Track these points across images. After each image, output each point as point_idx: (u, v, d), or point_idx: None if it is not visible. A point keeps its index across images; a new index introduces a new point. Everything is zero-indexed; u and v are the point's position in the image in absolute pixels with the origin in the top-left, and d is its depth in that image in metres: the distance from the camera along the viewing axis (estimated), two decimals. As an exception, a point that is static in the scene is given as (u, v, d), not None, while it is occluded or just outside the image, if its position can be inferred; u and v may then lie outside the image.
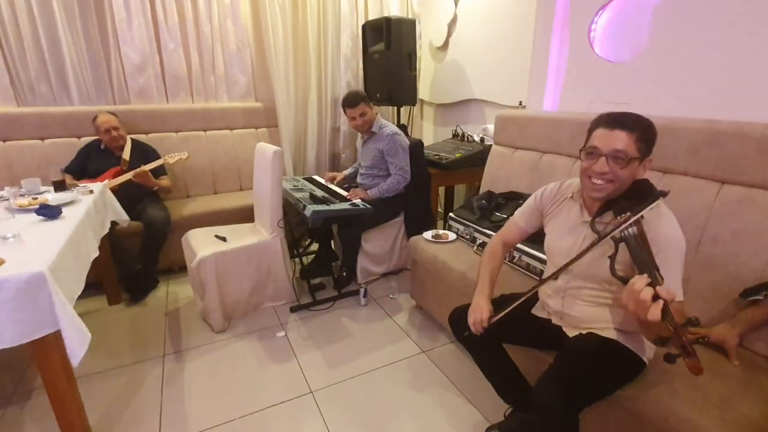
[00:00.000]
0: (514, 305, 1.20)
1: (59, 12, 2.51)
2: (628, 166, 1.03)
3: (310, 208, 2.04)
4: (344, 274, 2.48)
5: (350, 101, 2.39)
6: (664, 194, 1.03)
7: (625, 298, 0.89)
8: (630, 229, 0.97)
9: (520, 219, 1.39)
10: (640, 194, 1.06)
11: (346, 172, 2.81)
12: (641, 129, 1.04)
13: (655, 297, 0.84)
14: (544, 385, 1.08)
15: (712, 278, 1.38)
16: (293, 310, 2.28)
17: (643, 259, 0.93)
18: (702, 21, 1.58)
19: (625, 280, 0.92)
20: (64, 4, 2.53)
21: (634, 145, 1.02)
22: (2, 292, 1.12)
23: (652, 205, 1.00)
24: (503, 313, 1.21)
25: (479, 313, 1.24)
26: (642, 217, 0.99)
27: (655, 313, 0.81)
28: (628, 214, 0.99)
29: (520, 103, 2.59)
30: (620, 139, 1.02)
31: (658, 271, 0.91)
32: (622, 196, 1.08)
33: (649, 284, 0.86)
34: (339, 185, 2.63)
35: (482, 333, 1.24)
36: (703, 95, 1.60)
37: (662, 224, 1.03)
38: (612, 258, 1.00)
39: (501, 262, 1.41)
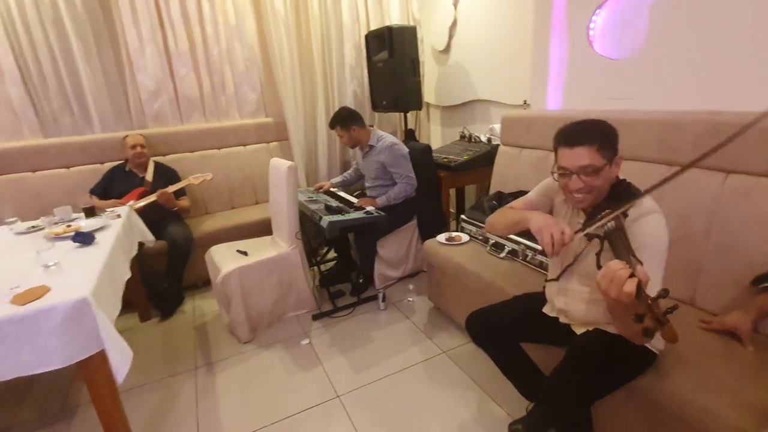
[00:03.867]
0: (611, 216, 1.04)
1: (77, 46, 2.64)
2: (599, 175, 1.08)
3: (326, 219, 2.12)
4: (360, 281, 2.55)
5: (330, 123, 2.54)
6: (639, 195, 1.06)
7: (600, 278, 0.90)
8: (609, 224, 1.02)
9: (535, 198, 1.38)
10: (620, 194, 1.11)
11: (333, 180, 2.87)
12: (599, 138, 1.07)
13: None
14: (553, 381, 1.13)
15: (723, 266, 1.40)
16: (315, 318, 2.36)
17: (621, 248, 0.97)
18: (701, 13, 1.60)
19: None
20: (81, 39, 2.66)
21: (598, 154, 1.06)
22: (51, 318, 1.21)
23: (626, 207, 1.03)
24: (595, 225, 1.06)
25: (558, 228, 1.07)
26: (623, 215, 1.03)
27: (630, 286, 0.84)
28: (607, 211, 1.04)
29: (525, 102, 2.62)
30: (583, 155, 1.07)
31: (635, 257, 0.94)
32: (605, 198, 1.13)
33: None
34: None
35: (560, 249, 1.08)
36: (705, 87, 1.62)
37: (644, 222, 1.07)
38: (598, 255, 1.05)
39: None
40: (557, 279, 1.30)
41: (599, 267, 1.02)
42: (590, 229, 1.06)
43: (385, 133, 2.59)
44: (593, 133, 1.08)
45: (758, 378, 1.12)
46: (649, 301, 0.84)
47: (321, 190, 2.74)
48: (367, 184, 2.71)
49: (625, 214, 1.04)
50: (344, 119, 2.50)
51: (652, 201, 1.11)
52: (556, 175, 1.14)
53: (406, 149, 2.53)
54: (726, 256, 1.40)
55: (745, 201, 1.37)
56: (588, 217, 1.16)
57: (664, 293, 0.83)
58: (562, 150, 1.11)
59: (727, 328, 1.29)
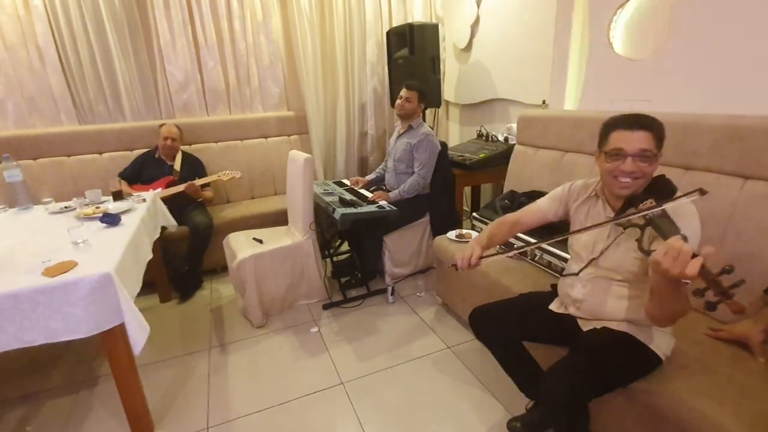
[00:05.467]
0: (509, 252, 1.32)
1: (113, 39, 2.79)
2: (653, 163, 1.09)
3: (339, 211, 2.17)
4: (360, 273, 2.60)
5: (409, 83, 2.54)
6: (703, 192, 1.03)
7: (661, 256, 0.87)
8: (653, 212, 1.01)
9: (543, 204, 1.43)
10: (659, 188, 1.11)
11: (368, 177, 2.92)
12: (656, 127, 1.10)
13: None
14: (552, 374, 1.14)
15: (737, 274, 1.36)
16: (325, 307, 2.42)
17: (670, 231, 0.95)
18: (722, 16, 1.56)
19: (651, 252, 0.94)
20: (117, 32, 2.80)
21: (653, 142, 1.09)
22: (78, 290, 1.30)
23: (687, 195, 1.00)
24: (494, 255, 1.32)
25: (470, 251, 1.32)
26: (661, 201, 1.02)
27: (695, 266, 0.83)
28: (651, 200, 1.04)
29: (544, 102, 2.60)
30: (643, 139, 1.08)
31: (686, 238, 0.92)
32: (642, 192, 1.12)
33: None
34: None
35: (466, 268, 1.31)
36: (725, 91, 1.58)
37: (682, 214, 1.06)
38: (639, 240, 1.03)
39: (507, 234, 1.46)
40: (577, 273, 1.29)
41: (642, 250, 1.01)
42: (624, 219, 1.07)
43: (427, 126, 2.63)
44: (653, 122, 1.10)
45: (765, 390, 1.10)
46: (713, 276, 0.84)
47: (358, 186, 2.79)
48: (388, 165, 2.73)
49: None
50: (424, 92, 2.58)
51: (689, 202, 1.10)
52: (605, 157, 1.14)
53: (438, 147, 2.56)
54: (739, 264, 1.31)
55: (762, 208, 1.34)
56: (620, 209, 1.16)
57: (729, 269, 0.83)
58: (620, 132, 1.11)
59: (737, 338, 1.27)
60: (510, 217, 1.48)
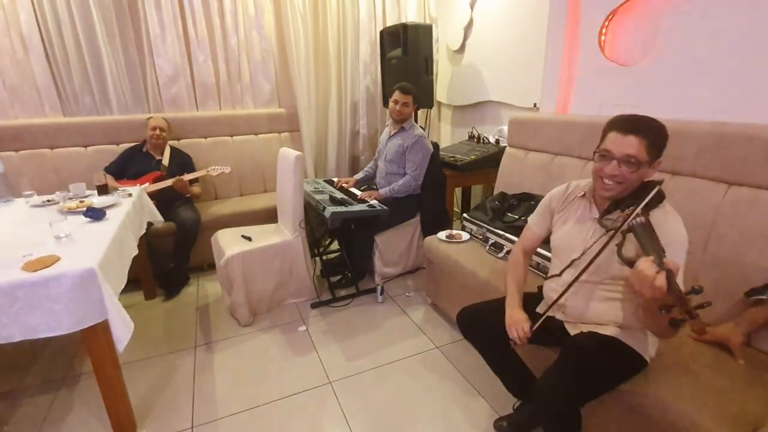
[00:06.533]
0: (549, 308, 1.25)
1: (100, 29, 2.73)
2: (638, 170, 1.09)
3: (330, 210, 2.16)
4: (350, 273, 2.58)
5: (405, 87, 2.50)
6: (659, 182, 1.10)
7: (631, 277, 0.93)
8: (636, 219, 1.02)
9: (533, 224, 1.45)
10: (646, 194, 1.11)
11: (357, 176, 2.89)
12: (653, 134, 1.09)
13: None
14: (545, 380, 1.14)
15: (719, 278, 1.40)
16: (314, 306, 2.40)
17: (650, 243, 0.97)
18: (711, 24, 1.59)
19: (630, 262, 0.97)
20: (104, 22, 2.74)
21: (645, 150, 1.08)
22: (60, 285, 1.27)
23: (652, 193, 1.05)
24: (540, 320, 1.25)
25: (520, 326, 1.26)
26: (646, 208, 1.04)
27: (660, 280, 0.86)
28: (633, 207, 1.05)
29: (535, 105, 2.62)
30: (632, 145, 1.08)
31: (663, 252, 0.95)
32: (630, 196, 1.14)
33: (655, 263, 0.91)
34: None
35: (526, 342, 1.26)
36: (712, 98, 1.62)
37: (669, 221, 1.09)
38: (619, 246, 1.05)
39: (525, 271, 1.46)
40: (560, 275, 1.30)
41: (620, 254, 1.03)
42: (617, 224, 1.08)
43: (420, 127, 2.63)
44: (650, 129, 1.09)
45: (745, 391, 1.12)
46: (681, 294, 0.86)
47: (347, 186, 2.75)
48: (379, 166, 2.72)
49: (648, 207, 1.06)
50: (417, 95, 2.57)
51: (670, 206, 1.14)
52: (596, 156, 1.15)
53: (431, 149, 2.56)
54: (722, 268, 1.40)
55: (745, 214, 1.37)
56: (605, 211, 1.18)
57: (698, 289, 0.85)
58: (613, 134, 1.11)
59: (719, 340, 1.29)
60: (517, 253, 1.48)
